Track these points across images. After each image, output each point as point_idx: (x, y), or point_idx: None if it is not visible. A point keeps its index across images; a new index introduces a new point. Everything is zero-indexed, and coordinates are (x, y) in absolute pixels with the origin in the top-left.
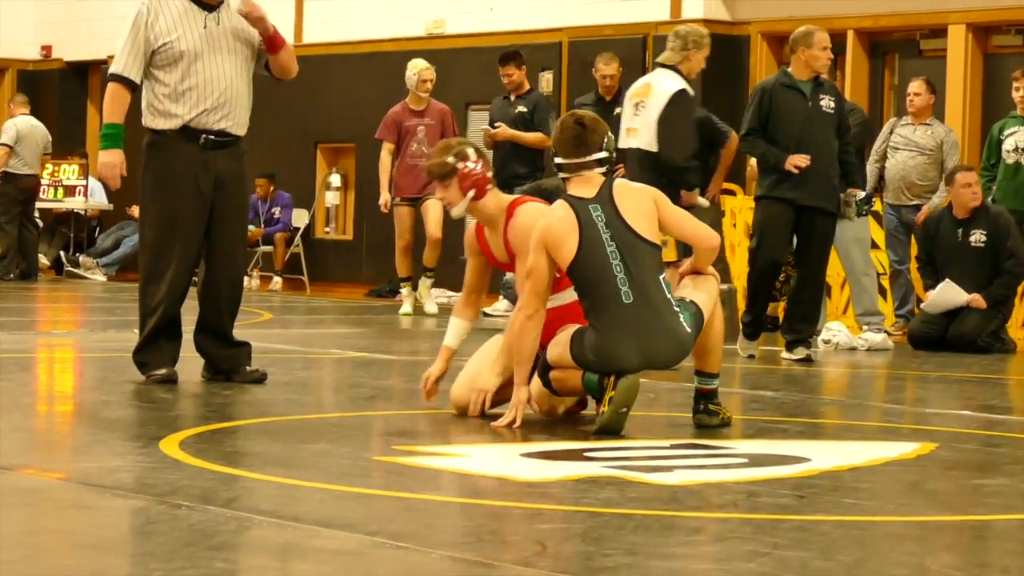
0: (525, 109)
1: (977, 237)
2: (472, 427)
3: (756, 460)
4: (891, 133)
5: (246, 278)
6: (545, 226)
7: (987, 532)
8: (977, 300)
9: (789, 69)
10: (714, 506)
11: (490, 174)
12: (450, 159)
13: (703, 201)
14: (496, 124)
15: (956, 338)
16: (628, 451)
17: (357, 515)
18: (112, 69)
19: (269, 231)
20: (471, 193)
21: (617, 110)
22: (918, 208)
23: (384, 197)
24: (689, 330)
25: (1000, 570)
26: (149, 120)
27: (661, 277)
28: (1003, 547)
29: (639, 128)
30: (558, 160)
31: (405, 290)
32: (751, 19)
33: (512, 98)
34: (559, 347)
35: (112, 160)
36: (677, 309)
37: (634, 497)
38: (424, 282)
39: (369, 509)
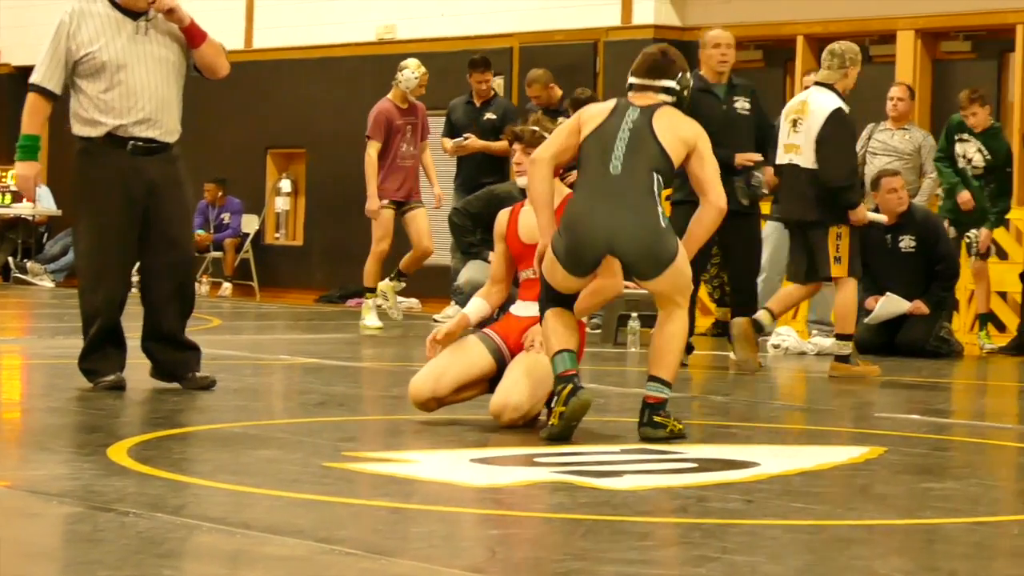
0: (494, 116)
1: (906, 243)
2: (422, 433)
3: (705, 465)
4: (870, 138)
5: (196, 284)
6: (586, 107)
7: (936, 535)
8: (919, 307)
9: (701, 72)
10: (664, 511)
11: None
12: (546, 135)
13: (879, 217)
14: (466, 135)
15: (904, 345)
16: (578, 456)
17: (307, 522)
18: (32, 79)
19: (219, 237)
20: None
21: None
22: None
23: (375, 203)
24: (663, 227)
25: (948, 573)
26: (76, 128)
27: (656, 178)
28: (951, 550)
29: (800, 145)
30: (631, 79)
31: (371, 301)
32: (701, 24)
33: (478, 104)
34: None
35: (26, 172)
36: (659, 210)
37: (584, 502)
38: (393, 285)
39: (319, 516)
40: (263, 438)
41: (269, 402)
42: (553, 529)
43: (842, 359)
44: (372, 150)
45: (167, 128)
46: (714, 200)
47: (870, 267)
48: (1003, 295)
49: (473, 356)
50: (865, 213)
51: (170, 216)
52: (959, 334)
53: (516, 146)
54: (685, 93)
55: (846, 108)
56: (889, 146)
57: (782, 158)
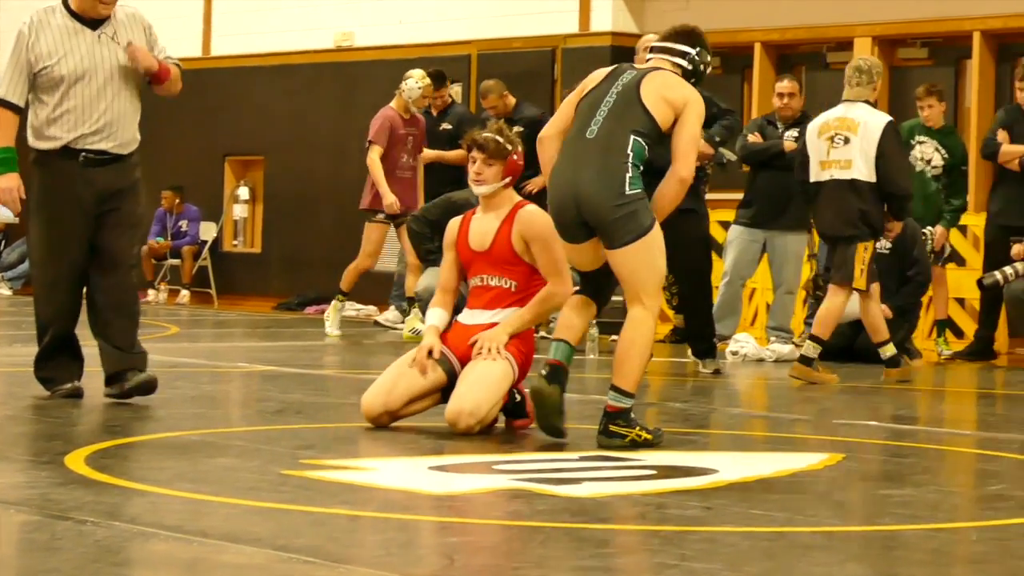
0: (450, 126)
1: (883, 244)
2: (380, 441)
3: (664, 472)
4: None
5: (152, 291)
6: (592, 74)
7: (895, 542)
8: (885, 311)
9: None
10: (622, 518)
11: (521, 167)
12: (506, 144)
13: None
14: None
15: (863, 349)
16: (537, 463)
17: (264, 530)
18: None
19: (177, 244)
20: (507, 179)
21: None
22: None
23: (390, 195)
24: (630, 192)
25: None
26: (32, 140)
27: (634, 140)
28: (910, 557)
29: (851, 160)
30: (654, 42)
31: (340, 303)
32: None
33: (434, 114)
34: None
35: (8, 184)
36: (628, 174)
37: (543, 510)
38: (416, 312)
39: (277, 524)
40: (220, 446)
41: (227, 410)
42: (511, 536)
43: (806, 361)
44: (374, 154)
45: (122, 140)
46: (678, 169)
47: None
48: (961, 301)
49: None
50: (902, 225)
51: (116, 231)
52: (917, 340)
53: (476, 155)
54: (701, 68)
55: (894, 120)
56: None
57: (819, 175)
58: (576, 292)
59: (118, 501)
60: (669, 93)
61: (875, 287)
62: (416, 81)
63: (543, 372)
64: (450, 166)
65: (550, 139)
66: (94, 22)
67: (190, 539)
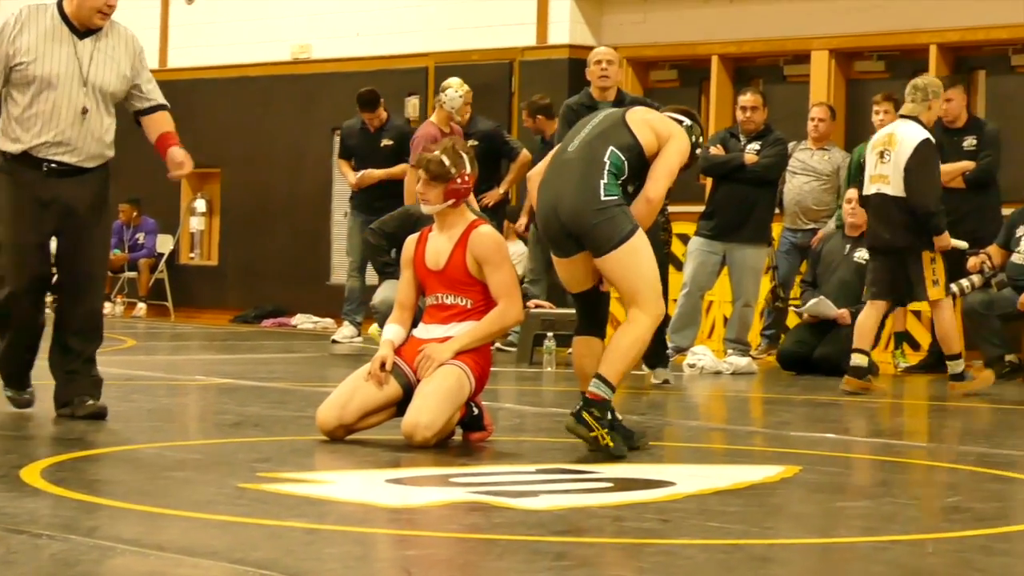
0: (391, 141)
1: (862, 254)
2: (337, 453)
3: (622, 484)
4: (789, 157)
5: (109, 304)
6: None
7: (851, 554)
8: (844, 316)
9: (590, 89)
10: (579, 530)
11: (470, 188)
12: (451, 167)
13: (959, 243)
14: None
15: (822, 359)
16: (494, 476)
17: (221, 543)
18: None
19: (133, 257)
20: (449, 202)
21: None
22: (813, 232)
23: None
24: (606, 199)
25: None
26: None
27: (613, 152)
28: (867, 569)
29: (889, 175)
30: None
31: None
32: (616, 44)
33: (372, 131)
34: None
35: None
36: (604, 183)
37: (500, 522)
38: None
39: (234, 537)
40: (177, 459)
41: (184, 423)
42: (468, 549)
43: (956, 377)
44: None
45: (88, 154)
46: (647, 189)
47: (818, 279)
48: (917, 314)
49: None
50: (949, 239)
51: (88, 254)
52: (874, 353)
53: (421, 174)
54: (692, 137)
55: (932, 139)
56: (808, 166)
57: (868, 188)
58: (575, 332)
59: (74, 515)
60: (656, 123)
61: (947, 301)
62: (455, 90)
63: (573, 412)
64: (397, 181)
65: (538, 175)
66: (83, 31)
67: (147, 553)
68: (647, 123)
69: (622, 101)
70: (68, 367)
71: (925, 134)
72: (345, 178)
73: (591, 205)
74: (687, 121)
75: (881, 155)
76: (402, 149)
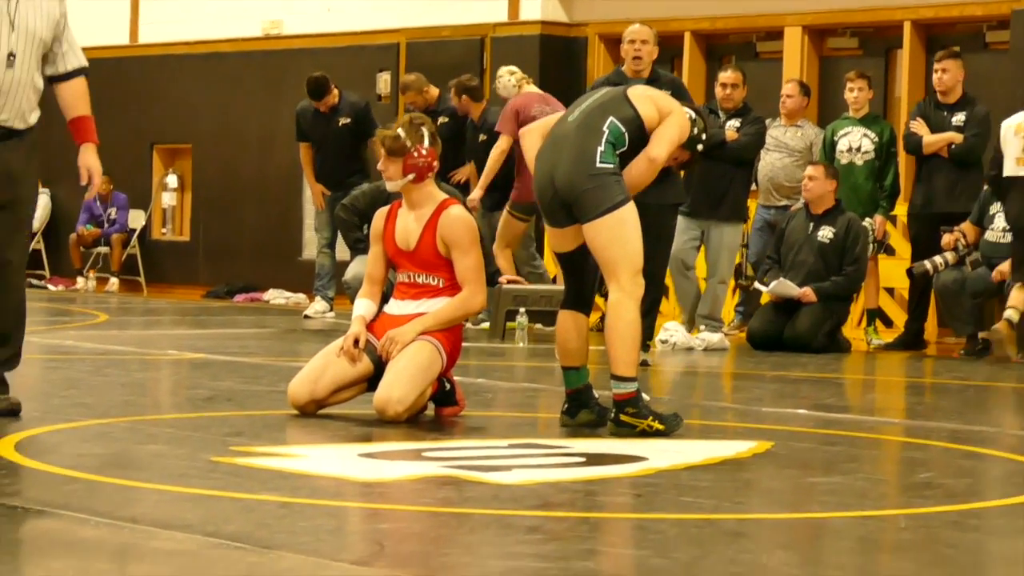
0: (348, 119)
1: (825, 233)
2: (309, 428)
3: (594, 459)
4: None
5: (81, 279)
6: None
7: (823, 530)
8: (808, 295)
9: (623, 68)
10: (552, 505)
11: (436, 164)
12: (406, 141)
13: None
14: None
15: (791, 339)
16: (466, 451)
17: (195, 516)
18: None
19: (106, 232)
20: (410, 176)
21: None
22: (786, 208)
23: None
24: (601, 167)
25: (835, 567)
26: None
27: (612, 122)
28: (838, 545)
29: None
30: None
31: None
32: (588, 20)
33: (325, 111)
34: None
35: None
36: (600, 150)
37: (472, 496)
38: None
39: (207, 510)
40: (150, 433)
41: (156, 397)
42: (441, 523)
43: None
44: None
45: (15, 111)
46: (649, 149)
47: (782, 257)
48: (891, 291)
49: None
50: None
51: (9, 229)
52: (847, 330)
53: (379, 151)
54: (694, 130)
55: None
56: (781, 142)
57: (1015, 170)
58: (560, 306)
59: (48, 487)
60: (659, 99)
61: None
62: (507, 78)
63: (563, 410)
64: (354, 154)
65: (531, 132)
66: None
67: (120, 525)
68: (650, 98)
69: (657, 80)
70: None
71: None
72: (311, 189)
73: (585, 171)
74: (692, 114)
75: None
76: (359, 126)
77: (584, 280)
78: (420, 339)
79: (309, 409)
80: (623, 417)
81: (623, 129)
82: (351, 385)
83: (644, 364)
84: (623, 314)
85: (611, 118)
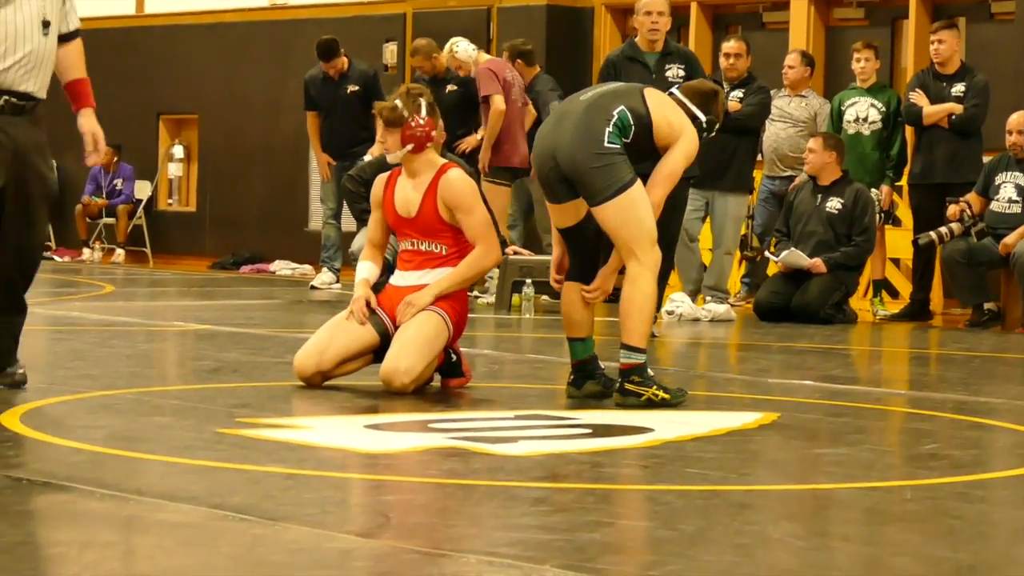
0: (357, 87)
1: (833, 204)
2: (315, 399)
3: (600, 430)
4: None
5: (87, 250)
6: None
7: (828, 501)
8: (818, 265)
9: (636, 40)
10: (558, 476)
11: (435, 133)
12: (403, 111)
13: None
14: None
15: (799, 309)
16: (472, 422)
17: (200, 488)
18: None
19: (112, 203)
20: (409, 146)
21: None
22: (790, 179)
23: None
24: (607, 148)
25: (841, 538)
26: None
27: (622, 109)
28: (844, 515)
29: None
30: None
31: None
32: None
33: (336, 78)
34: None
35: None
36: (608, 132)
37: (478, 468)
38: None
39: (212, 482)
40: (156, 405)
41: (162, 368)
42: (447, 495)
43: None
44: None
45: (43, 82)
46: (682, 140)
47: (791, 228)
48: (896, 262)
49: (357, 328)
50: None
51: (31, 183)
52: (853, 301)
53: (379, 122)
54: (705, 133)
55: None
56: (785, 112)
57: None
58: (566, 278)
59: (54, 459)
60: (671, 114)
61: None
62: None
63: (569, 381)
64: (361, 122)
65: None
66: None
67: (126, 497)
68: (664, 106)
69: (670, 53)
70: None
71: None
72: (317, 160)
73: (592, 149)
74: (702, 118)
75: None
76: (368, 94)
77: (587, 252)
78: (427, 310)
79: (315, 381)
80: (628, 385)
81: (631, 121)
82: (357, 356)
83: (652, 336)
84: (642, 286)
85: (623, 106)
